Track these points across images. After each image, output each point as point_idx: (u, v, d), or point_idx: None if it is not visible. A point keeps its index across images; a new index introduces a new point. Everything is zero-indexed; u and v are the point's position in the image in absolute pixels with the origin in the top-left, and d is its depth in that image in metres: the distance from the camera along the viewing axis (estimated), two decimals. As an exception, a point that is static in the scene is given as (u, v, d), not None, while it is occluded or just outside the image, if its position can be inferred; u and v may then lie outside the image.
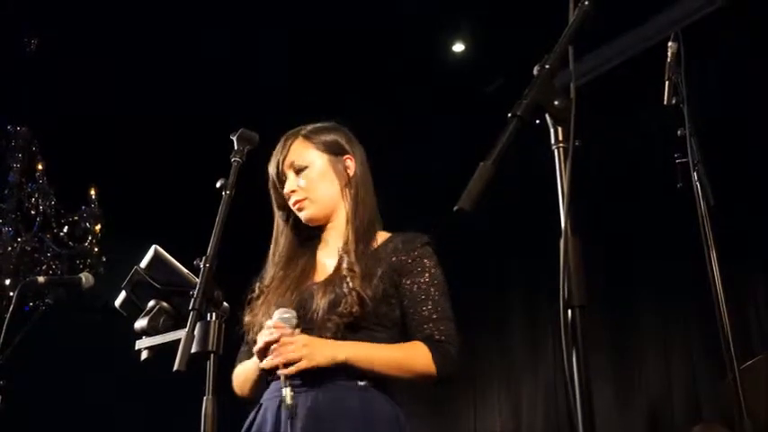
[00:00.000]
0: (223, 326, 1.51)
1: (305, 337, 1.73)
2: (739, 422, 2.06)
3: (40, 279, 3.49)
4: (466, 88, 5.16)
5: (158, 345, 1.66)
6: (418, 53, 4.92)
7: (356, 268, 1.83)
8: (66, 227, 4.46)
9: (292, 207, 1.96)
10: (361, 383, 1.76)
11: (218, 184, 1.68)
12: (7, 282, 4.15)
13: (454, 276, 1.97)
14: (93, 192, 4.49)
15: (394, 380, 1.81)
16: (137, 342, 1.69)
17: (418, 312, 1.84)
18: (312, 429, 1.69)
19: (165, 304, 1.71)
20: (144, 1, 4.43)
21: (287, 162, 1.96)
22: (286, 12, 4.53)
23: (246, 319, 1.90)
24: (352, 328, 1.78)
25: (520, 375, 5.11)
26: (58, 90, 4.74)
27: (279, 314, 1.76)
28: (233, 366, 1.97)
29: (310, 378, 1.73)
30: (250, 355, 1.88)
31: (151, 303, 1.72)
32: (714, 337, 2.21)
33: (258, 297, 1.93)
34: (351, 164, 1.99)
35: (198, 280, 1.53)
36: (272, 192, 2.00)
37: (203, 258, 1.55)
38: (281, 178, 1.97)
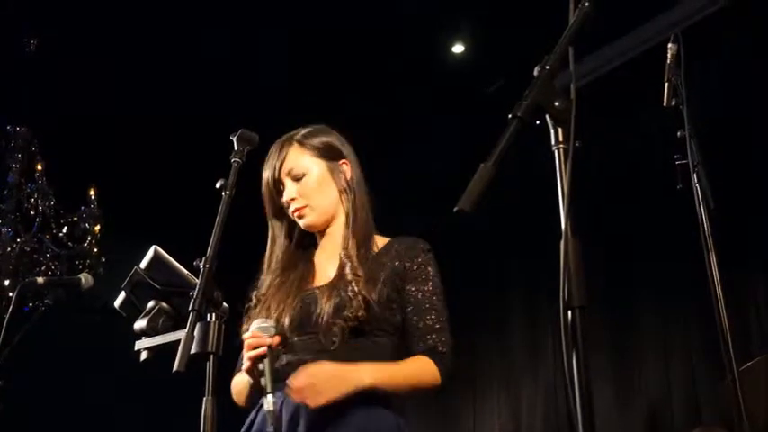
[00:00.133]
0: (223, 326, 1.51)
1: (318, 371, 1.69)
2: (738, 424, 2.06)
3: (40, 280, 3.49)
4: (466, 89, 5.15)
5: (158, 345, 1.66)
6: (418, 53, 4.91)
7: (360, 272, 1.83)
8: (66, 227, 4.45)
9: (292, 214, 1.95)
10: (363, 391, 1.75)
11: (218, 185, 1.68)
12: (6, 282, 4.15)
13: (454, 276, 1.98)
14: (92, 192, 4.48)
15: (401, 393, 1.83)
16: (136, 342, 1.69)
17: (423, 320, 1.85)
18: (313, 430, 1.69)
19: (164, 305, 1.71)
20: (144, 1, 4.42)
21: (284, 170, 1.94)
22: (286, 12, 4.53)
23: (244, 328, 1.89)
24: (356, 333, 1.79)
25: (520, 376, 5.11)
26: (57, 90, 4.74)
27: (257, 324, 1.73)
28: (233, 367, 1.96)
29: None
30: None
31: (151, 304, 1.72)
32: (714, 339, 2.21)
33: (255, 306, 1.92)
34: (347, 168, 1.99)
35: (198, 280, 1.53)
36: (266, 199, 1.99)
37: (203, 259, 1.55)
38: (278, 186, 1.95)
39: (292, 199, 1.93)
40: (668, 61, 2.40)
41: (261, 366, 1.66)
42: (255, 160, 1.93)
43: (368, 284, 1.81)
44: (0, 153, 4.42)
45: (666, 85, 2.38)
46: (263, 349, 1.67)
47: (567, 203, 1.16)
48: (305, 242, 2.00)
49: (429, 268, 1.91)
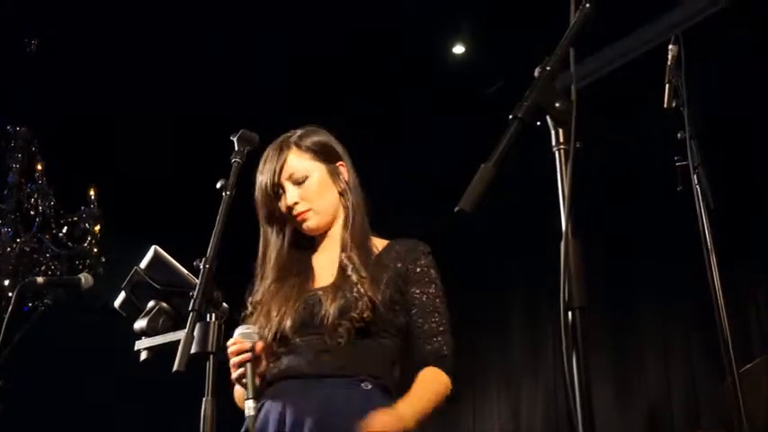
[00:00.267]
0: (222, 327, 1.51)
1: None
2: (738, 426, 2.06)
3: (40, 279, 3.49)
4: (466, 89, 5.16)
5: (158, 345, 1.66)
6: (418, 53, 4.91)
7: (365, 273, 1.82)
8: (66, 227, 4.45)
9: (294, 218, 1.93)
10: (364, 385, 1.76)
11: (218, 185, 1.67)
12: (6, 282, 4.14)
13: (454, 276, 1.98)
14: (92, 192, 4.48)
15: (398, 384, 1.83)
16: (136, 343, 1.69)
17: (428, 323, 1.86)
18: (315, 430, 1.69)
19: (164, 305, 1.71)
20: (144, 1, 4.43)
21: (284, 174, 1.92)
22: (286, 12, 4.53)
23: None
24: (362, 334, 1.78)
25: (520, 376, 5.11)
26: (57, 90, 4.74)
27: (239, 331, 1.71)
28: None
29: (313, 379, 1.74)
30: None
31: (151, 304, 1.72)
32: (714, 339, 2.21)
33: (252, 314, 1.90)
34: (344, 170, 1.99)
35: (198, 281, 1.53)
36: (261, 204, 1.96)
37: (203, 259, 1.55)
38: (277, 191, 1.93)
39: (295, 203, 1.92)
40: (669, 62, 2.40)
41: (242, 370, 1.65)
42: (256, 160, 1.93)
43: (372, 285, 1.81)
44: (0, 153, 4.41)
45: (667, 86, 2.38)
46: (246, 355, 1.65)
47: (567, 204, 1.16)
48: (300, 245, 1.99)
49: (432, 271, 1.91)
